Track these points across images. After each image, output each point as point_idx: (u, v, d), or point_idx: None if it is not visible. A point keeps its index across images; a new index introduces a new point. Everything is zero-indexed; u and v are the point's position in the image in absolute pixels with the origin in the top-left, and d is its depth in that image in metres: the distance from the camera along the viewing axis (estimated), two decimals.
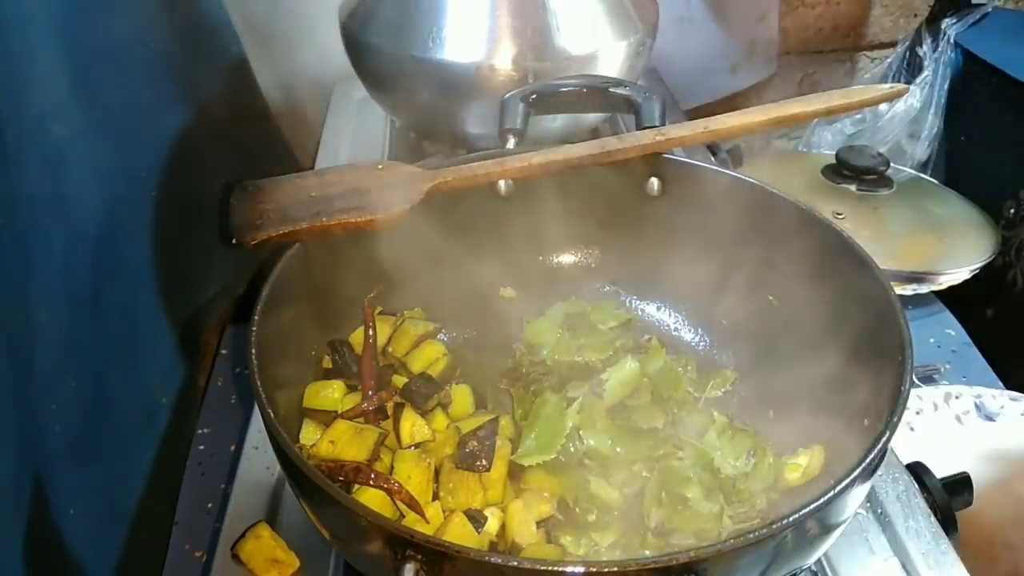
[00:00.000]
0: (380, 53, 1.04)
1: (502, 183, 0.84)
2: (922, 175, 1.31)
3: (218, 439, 0.91)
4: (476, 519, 0.64)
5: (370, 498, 0.62)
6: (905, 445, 0.86)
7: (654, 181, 0.83)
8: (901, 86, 0.78)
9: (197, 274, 1.15)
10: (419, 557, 0.48)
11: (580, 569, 0.47)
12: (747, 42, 1.67)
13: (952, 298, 1.14)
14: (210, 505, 0.83)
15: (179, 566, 0.78)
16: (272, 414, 0.57)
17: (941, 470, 0.77)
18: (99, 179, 0.91)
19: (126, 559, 0.85)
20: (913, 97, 1.43)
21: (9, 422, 0.69)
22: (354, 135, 1.27)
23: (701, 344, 0.85)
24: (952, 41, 1.41)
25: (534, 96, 0.89)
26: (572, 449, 0.71)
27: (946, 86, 1.42)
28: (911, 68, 1.49)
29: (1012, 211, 1.28)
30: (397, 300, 0.82)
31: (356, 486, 0.63)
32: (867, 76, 1.58)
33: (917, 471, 0.76)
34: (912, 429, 0.96)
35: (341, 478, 0.64)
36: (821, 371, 0.72)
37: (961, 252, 1.10)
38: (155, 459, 0.94)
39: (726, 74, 1.69)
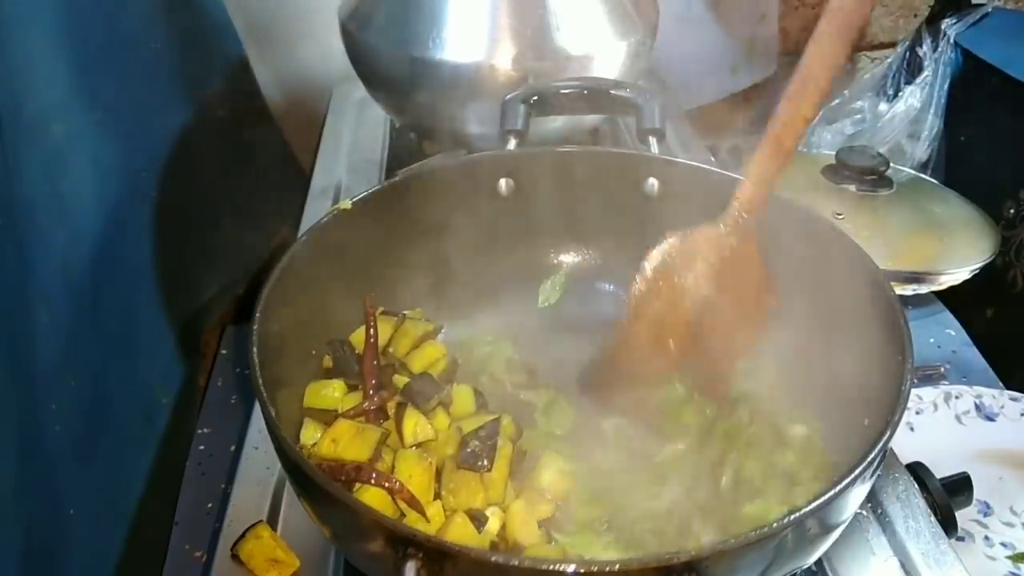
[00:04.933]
0: (380, 53, 1.04)
1: (502, 182, 0.84)
2: (922, 175, 1.31)
3: (218, 439, 0.91)
4: (478, 519, 0.64)
5: (371, 497, 0.62)
6: (905, 445, 0.86)
7: (654, 181, 0.84)
8: None
9: (197, 274, 1.15)
10: (420, 556, 0.48)
11: (580, 569, 0.47)
12: (747, 42, 1.67)
13: (952, 298, 1.14)
14: (210, 505, 0.83)
15: (179, 566, 0.78)
16: (273, 414, 0.57)
17: (941, 470, 0.77)
18: (99, 179, 0.91)
19: (126, 559, 0.85)
20: (913, 97, 1.43)
21: (9, 422, 0.69)
22: (354, 135, 1.27)
23: None
24: (952, 41, 1.41)
25: (535, 97, 0.89)
26: None
27: (946, 86, 1.42)
28: (911, 68, 1.48)
29: (1012, 211, 1.28)
30: (397, 300, 0.82)
31: (357, 485, 0.63)
32: (867, 76, 1.58)
33: (917, 471, 0.76)
34: (912, 429, 0.96)
35: (342, 478, 0.64)
36: (820, 371, 0.73)
37: (961, 252, 1.10)
38: (155, 459, 0.94)
39: (726, 74, 1.69)
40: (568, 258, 0.91)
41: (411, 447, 0.69)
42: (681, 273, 0.64)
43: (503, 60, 0.99)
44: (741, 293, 0.65)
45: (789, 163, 0.63)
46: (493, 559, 0.49)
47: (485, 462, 0.67)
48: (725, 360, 0.69)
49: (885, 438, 0.55)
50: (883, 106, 1.47)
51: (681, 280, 0.64)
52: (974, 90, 1.40)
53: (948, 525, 0.72)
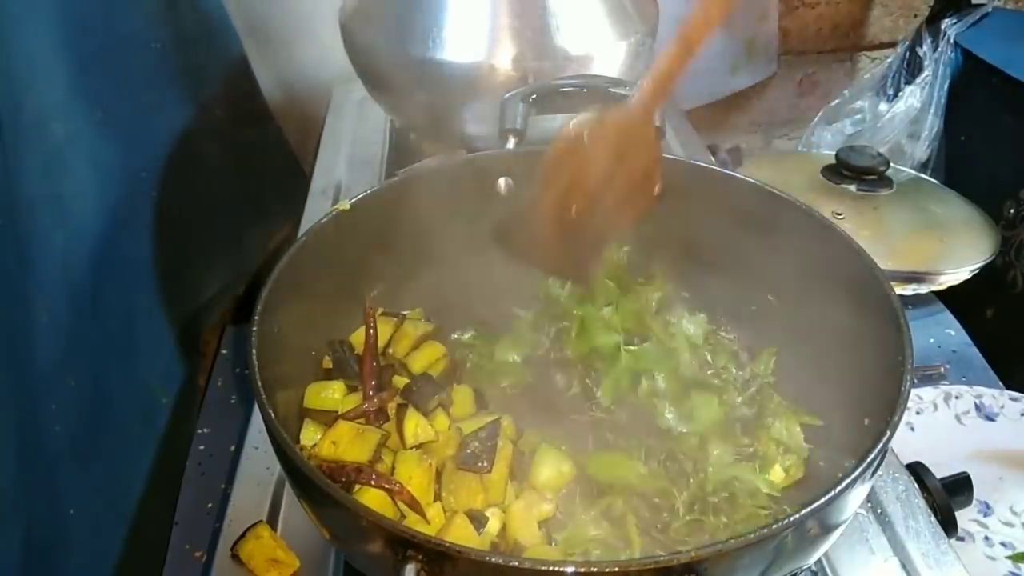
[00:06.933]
0: (380, 53, 1.04)
1: (502, 182, 0.84)
2: (922, 175, 1.31)
3: (218, 439, 0.91)
4: (478, 520, 0.64)
5: (371, 498, 0.62)
6: (905, 445, 0.86)
7: None
8: None
9: (197, 274, 1.15)
10: (420, 557, 0.48)
11: (580, 569, 0.47)
12: (747, 42, 1.67)
13: (952, 298, 1.14)
14: (210, 505, 0.83)
15: (179, 566, 0.78)
16: (273, 414, 0.57)
17: (941, 470, 0.77)
18: (99, 179, 0.91)
19: (126, 559, 0.85)
20: (913, 97, 1.44)
21: (9, 422, 0.69)
22: (354, 135, 1.27)
23: None
24: (952, 41, 1.42)
25: (534, 96, 0.89)
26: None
27: (946, 86, 1.42)
28: (911, 68, 1.49)
29: (1012, 211, 1.28)
30: (397, 300, 0.82)
31: (357, 486, 0.63)
32: (867, 76, 1.58)
33: (917, 471, 0.76)
34: (912, 429, 0.96)
35: (342, 479, 0.64)
36: (820, 371, 0.73)
37: (961, 252, 1.10)
38: (155, 459, 0.94)
39: (726, 74, 1.69)
40: None
41: (411, 448, 0.69)
42: (592, 145, 0.69)
43: (503, 60, 0.99)
44: (633, 175, 0.70)
45: (693, 60, 0.71)
46: (493, 560, 0.49)
47: (485, 463, 0.67)
48: (599, 240, 0.74)
49: (885, 438, 0.55)
50: (883, 106, 1.48)
51: (591, 151, 0.69)
52: (974, 90, 1.40)
53: (948, 525, 0.72)
